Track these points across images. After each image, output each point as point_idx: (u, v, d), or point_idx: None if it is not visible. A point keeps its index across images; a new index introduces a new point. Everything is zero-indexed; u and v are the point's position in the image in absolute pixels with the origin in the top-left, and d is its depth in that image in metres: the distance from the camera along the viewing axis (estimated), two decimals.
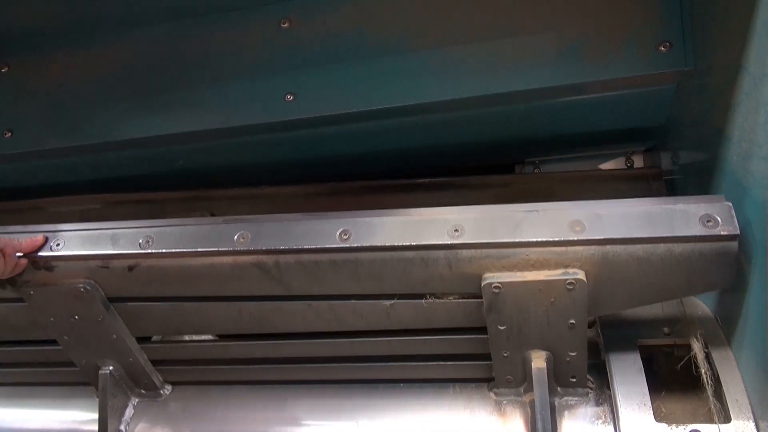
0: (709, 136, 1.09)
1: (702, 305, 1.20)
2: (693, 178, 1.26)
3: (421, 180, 1.51)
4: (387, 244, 1.03)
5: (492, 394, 1.20)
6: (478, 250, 1.00)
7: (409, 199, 1.49)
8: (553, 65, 1.21)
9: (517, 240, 0.99)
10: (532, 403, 1.14)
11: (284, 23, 1.32)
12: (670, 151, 1.37)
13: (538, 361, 1.11)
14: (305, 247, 1.06)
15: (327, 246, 1.05)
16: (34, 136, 1.49)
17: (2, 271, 1.14)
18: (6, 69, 1.51)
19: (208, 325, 1.24)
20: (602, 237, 0.96)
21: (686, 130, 1.25)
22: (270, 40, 1.32)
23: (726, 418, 1.04)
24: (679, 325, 1.18)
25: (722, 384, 1.06)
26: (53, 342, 1.32)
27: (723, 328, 1.12)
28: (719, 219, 0.93)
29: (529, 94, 1.26)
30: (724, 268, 0.96)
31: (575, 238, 0.97)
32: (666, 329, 1.19)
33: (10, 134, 1.50)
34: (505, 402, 1.19)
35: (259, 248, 1.08)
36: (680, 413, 1.13)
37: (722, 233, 0.92)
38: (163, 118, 1.41)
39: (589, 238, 0.96)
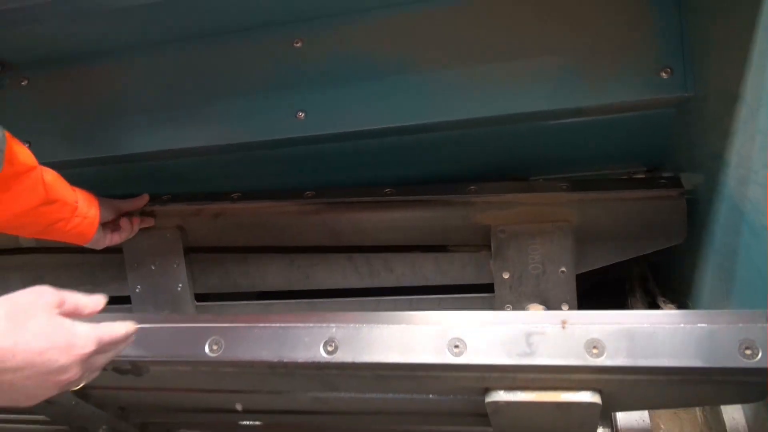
0: (707, 160, 1.12)
1: None
2: (692, 201, 1.26)
3: (416, 197, 1.36)
4: (376, 362, 0.92)
5: None
6: (481, 373, 0.89)
7: (405, 216, 1.38)
8: (556, 88, 1.21)
9: (525, 363, 0.87)
10: None
11: (297, 43, 1.33)
12: (670, 173, 1.35)
13: None
14: (286, 360, 0.95)
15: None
16: (52, 148, 1.50)
17: (129, 233, 1.39)
18: (25, 82, 1.51)
19: (186, 411, 1.17)
20: (623, 364, 0.84)
21: (686, 153, 1.26)
22: (282, 59, 1.34)
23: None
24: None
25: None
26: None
27: None
28: (759, 349, 0.81)
29: (532, 115, 1.24)
30: (755, 392, 0.85)
31: (592, 364, 0.85)
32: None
33: (28, 145, 1.45)
34: None
35: (231, 360, 0.96)
36: (673, 425, 1.13)
37: (762, 366, 0.81)
38: (176, 133, 1.43)
39: (608, 364, 0.85)
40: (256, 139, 1.39)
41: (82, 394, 1.13)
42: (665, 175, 1.33)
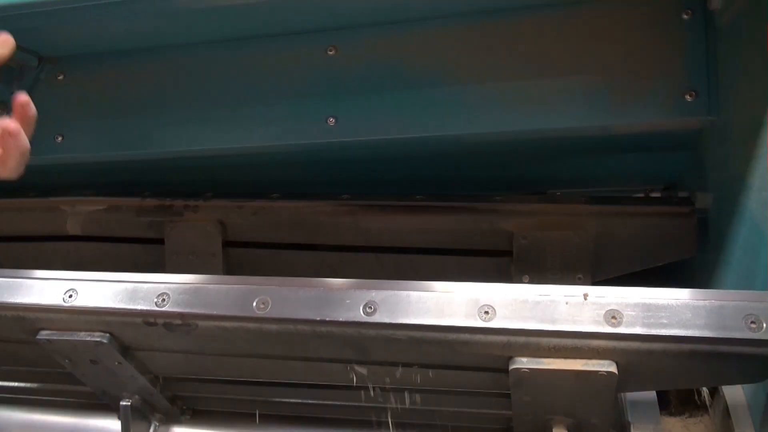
0: (729, 182, 1.15)
1: None
2: (712, 221, 1.31)
3: (444, 203, 1.47)
4: (412, 323, 1.00)
5: None
6: (504, 337, 0.97)
7: (434, 220, 1.48)
8: (585, 106, 1.28)
9: (549, 328, 0.96)
10: None
11: (330, 50, 1.38)
12: (687, 192, 1.43)
13: (560, 428, 1.11)
14: (328, 319, 1.03)
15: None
16: (84, 144, 1.57)
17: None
18: (62, 77, 1.57)
19: (225, 372, 1.23)
20: (639, 332, 0.93)
21: (707, 174, 1.30)
22: (316, 65, 1.39)
23: None
24: None
25: (729, 412, 1.08)
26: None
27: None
28: (764, 322, 0.89)
29: (560, 131, 1.31)
30: (761, 367, 0.93)
31: (611, 332, 0.94)
32: None
33: (61, 139, 1.59)
34: None
35: (277, 317, 1.05)
36: None
37: (766, 338, 0.89)
38: (208, 135, 1.48)
39: (626, 332, 0.93)
40: (287, 142, 1.45)
41: (127, 354, 1.20)
42: (678, 195, 1.44)
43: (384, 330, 1.01)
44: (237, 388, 1.29)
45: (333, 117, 1.39)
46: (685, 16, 1.23)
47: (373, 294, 1.03)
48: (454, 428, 1.25)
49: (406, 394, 1.19)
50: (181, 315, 1.09)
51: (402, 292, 1.02)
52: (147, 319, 1.12)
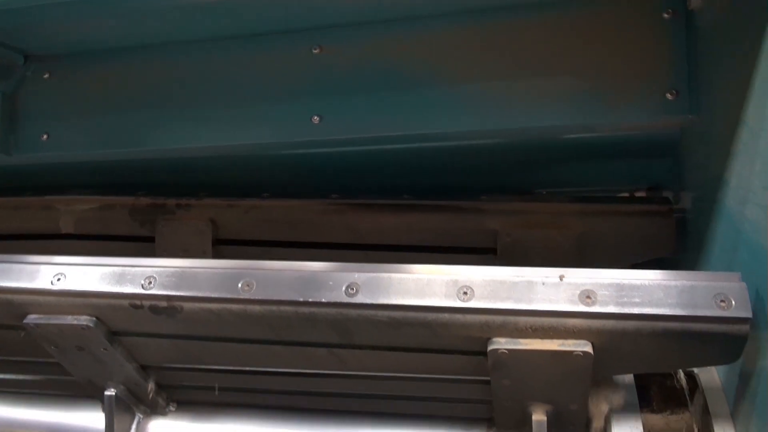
0: (709, 180, 1.17)
1: None
2: (692, 219, 1.32)
3: (430, 202, 1.50)
4: (393, 303, 1.02)
5: None
6: (485, 317, 0.99)
7: (420, 219, 1.50)
8: (568, 105, 1.30)
9: (525, 308, 0.98)
10: None
11: (315, 49, 1.41)
12: (672, 191, 1.44)
13: (539, 414, 1.12)
14: (311, 300, 1.05)
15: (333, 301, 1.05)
16: (70, 142, 1.58)
17: None
18: (47, 75, 1.60)
19: (210, 359, 1.24)
20: (612, 311, 0.95)
21: (688, 172, 1.33)
22: (301, 64, 1.42)
23: None
24: None
25: (709, 410, 1.10)
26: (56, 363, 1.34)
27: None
28: (733, 301, 0.92)
29: (543, 129, 1.33)
30: (733, 347, 0.95)
31: (585, 311, 0.96)
32: None
33: (46, 137, 1.61)
34: None
35: (261, 298, 1.07)
36: None
37: (735, 315, 0.91)
38: (194, 132, 1.50)
39: (600, 311, 0.95)
40: (273, 140, 1.46)
41: (113, 339, 1.21)
42: (661, 194, 1.47)
43: (365, 310, 1.03)
44: (222, 378, 1.30)
45: (318, 115, 1.42)
46: (666, 16, 1.25)
47: (356, 276, 1.05)
48: (436, 418, 1.26)
49: (388, 383, 1.20)
50: (167, 297, 1.11)
51: (383, 274, 1.05)
52: (133, 301, 1.13)
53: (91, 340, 1.21)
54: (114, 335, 1.22)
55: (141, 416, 1.40)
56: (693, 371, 1.17)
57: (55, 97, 1.61)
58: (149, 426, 1.39)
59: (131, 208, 1.69)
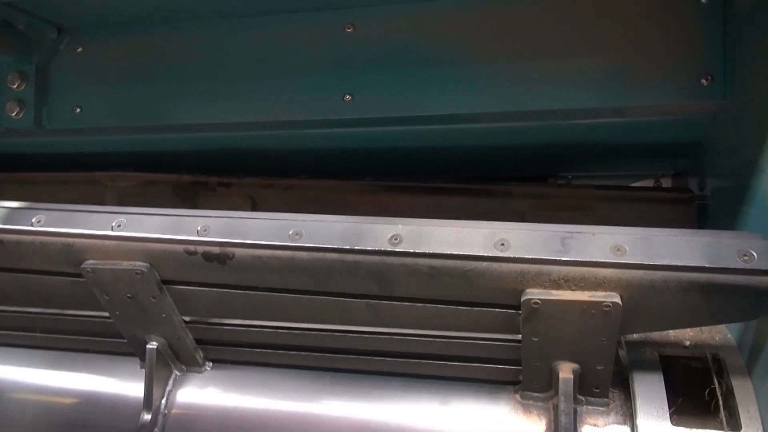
0: (742, 166, 1.16)
1: None
2: (723, 205, 1.32)
3: (461, 185, 1.57)
4: (433, 252, 1.09)
5: (517, 396, 1.27)
6: (520, 265, 1.06)
7: (451, 201, 1.57)
8: (599, 87, 1.32)
9: (559, 258, 1.05)
10: (555, 408, 1.20)
11: (348, 28, 1.42)
12: (698, 177, 1.46)
13: (566, 372, 1.17)
14: (356, 248, 1.13)
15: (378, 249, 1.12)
16: (101, 114, 1.61)
17: None
18: (81, 49, 1.63)
19: (251, 313, 1.31)
20: (640, 262, 1.02)
21: (719, 158, 1.33)
22: (334, 42, 1.42)
23: (737, 427, 1.10)
24: (698, 339, 1.25)
25: (735, 396, 1.13)
26: (103, 316, 1.41)
27: (739, 343, 1.18)
28: (755, 254, 0.99)
29: (573, 112, 1.35)
30: (755, 301, 1.01)
31: (615, 261, 1.03)
32: (687, 342, 1.26)
33: (79, 110, 1.65)
34: (529, 404, 1.26)
35: (309, 245, 1.15)
36: (695, 421, 1.19)
37: (758, 267, 0.98)
38: (226, 107, 1.51)
39: (629, 262, 1.02)
40: (304, 118, 1.47)
41: (163, 288, 1.28)
42: (686, 181, 1.48)
43: (407, 259, 1.11)
44: (258, 335, 1.36)
45: (350, 94, 1.43)
46: (703, 0, 1.25)
47: (399, 227, 1.13)
48: (464, 381, 1.31)
49: (420, 342, 1.26)
50: (220, 244, 1.19)
51: (425, 227, 1.13)
52: (188, 247, 1.21)
53: (143, 288, 1.28)
54: (164, 284, 1.29)
55: (178, 373, 1.46)
56: (720, 357, 1.22)
57: (88, 71, 1.63)
58: (186, 382, 1.45)
59: (174, 184, 1.78)
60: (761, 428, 1.08)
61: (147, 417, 1.37)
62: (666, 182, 1.60)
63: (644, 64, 1.27)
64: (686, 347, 1.27)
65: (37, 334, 1.54)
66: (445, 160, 1.63)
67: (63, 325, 1.51)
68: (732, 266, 0.98)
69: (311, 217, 1.18)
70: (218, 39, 1.52)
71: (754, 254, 0.99)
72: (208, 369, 1.46)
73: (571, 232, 1.07)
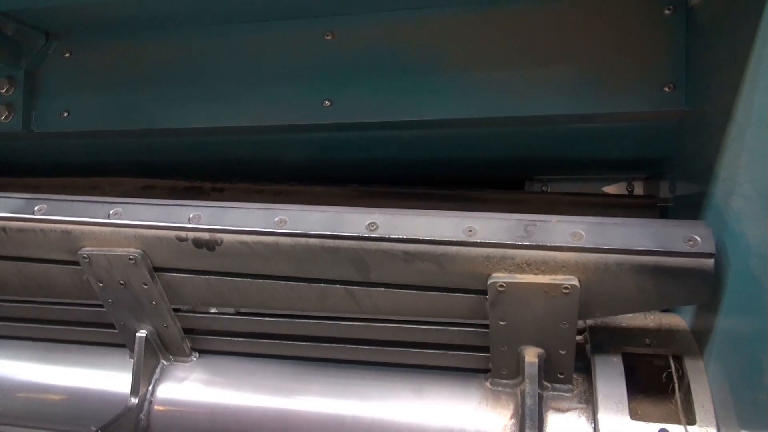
0: (700, 171, 1.23)
1: (682, 321, 1.33)
2: (684, 208, 1.40)
3: (439, 191, 1.66)
4: (407, 237, 1.18)
5: (487, 383, 1.34)
6: (487, 249, 1.15)
7: (428, 206, 1.63)
8: (569, 95, 1.39)
9: (522, 242, 1.14)
10: (522, 394, 1.27)
11: (327, 36, 1.48)
12: (668, 181, 1.52)
13: (531, 356, 1.25)
14: (336, 233, 1.21)
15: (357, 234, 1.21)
16: (88, 118, 1.66)
17: None
18: (68, 55, 1.69)
19: (237, 300, 1.38)
20: (595, 246, 1.11)
21: (683, 164, 1.40)
22: (314, 50, 1.49)
23: (692, 421, 1.17)
24: (659, 337, 1.33)
25: (692, 391, 1.20)
26: (96, 305, 1.48)
27: (697, 341, 1.26)
28: (699, 239, 1.08)
29: (545, 118, 1.43)
30: (701, 284, 1.09)
31: (573, 245, 1.11)
32: (648, 340, 1.33)
33: (67, 114, 1.70)
34: (498, 390, 1.32)
35: (294, 231, 1.23)
36: (653, 414, 1.26)
37: (701, 251, 1.07)
38: (209, 112, 1.57)
39: (585, 246, 1.11)
40: (286, 122, 1.52)
41: (155, 275, 1.36)
42: (657, 185, 1.54)
43: (383, 244, 1.19)
44: (243, 324, 1.43)
45: (329, 100, 1.49)
46: (667, 12, 1.31)
47: (376, 215, 1.22)
48: (438, 369, 1.38)
49: (396, 330, 1.33)
50: (209, 230, 1.28)
51: (400, 216, 1.21)
52: (179, 234, 1.30)
53: (135, 274, 1.36)
54: (156, 271, 1.37)
55: (165, 363, 1.52)
56: (680, 355, 1.29)
57: (76, 75, 1.68)
58: (172, 371, 1.51)
59: (170, 189, 1.87)
60: (714, 422, 1.15)
61: (134, 401, 1.43)
62: (638, 186, 1.66)
63: (611, 73, 1.33)
64: (648, 345, 1.35)
65: (31, 325, 1.61)
66: (422, 165, 1.70)
67: (57, 315, 1.58)
68: (677, 250, 1.07)
69: (295, 207, 1.27)
70: (202, 46, 1.57)
71: (698, 239, 1.08)
72: (195, 359, 1.53)
73: (534, 221, 1.16)
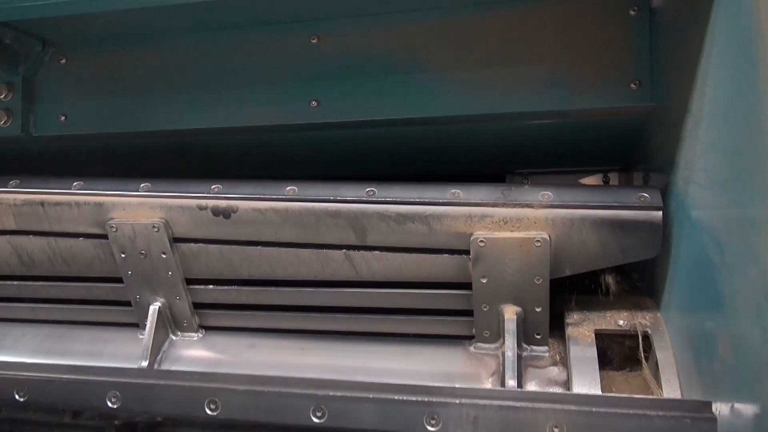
0: (666, 163, 1.33)
1: (653, 304, 1.46)
2: None
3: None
4: (399, 199, 1.36)
5: (472, 348, 1.46)
6: (469, 209, 1.33)
7: None
8: (543, 92, 1.47)
9: (498, 201, 1.32)
10: (503, 354, 1.40)
11: (313, 39, 1.56)
12: (641, 173, 1.64)
13: (510, 314, 1.39)
14: (339, 197, 1.39)
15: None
16: (84, 121, 1.73)
17: None
18: (64, 60, 1.75)
19: (247, 269, 1.53)
20: (562, 203, 1.29)
21: (652, 156, 1.50)
22: (300, 52, 1.57)
23: (659, 393, 1.29)
24: (630, 318, 1.47)
25: (659, 366, 1.32)
26: (114, 280, 1.62)
27: (665, 321, 1.39)
28: (648, 196, 1.27)
29: (521, 115, 1.52)
30: (652, 236, 1.27)
31: (543, 203, 1.30)
32: (621, 322, 1.48)
33: (64, 118, 1.78)
34: (481, 354, 1.45)
35: (302, 197, 1.41)
36: (623, 387, 1.38)
37: (650, 205, 1.26)
38: (201, 114, 1.64)
39: (554, 203, 1.30)
40: (273, 123, 1.59)
41: (174, 245, 1.51)
42: (631, 176, 1.67)
43: (379, 206, 1.37)
44: (251, 295, 1.57)
45: (315, 100, 1.55)
46: (632, 13, 1.39)
47: (374, 186, 1.41)
48: (427, 337, 1.50)
49: (389, 296, 1.48)
50: (227, 198, 1.45)
51: (395, 184, 1.40)
52: (200, 203, 1.47)
53: (156, 243, 1.51)
54: (175, 241, 1.52)
55: (173, 338, 1.63)
56: (648, 334, 1.44)
57: (72, 81, 1.73)
58: (179, 345, 1.62)
59: None
60: (679, 392, 1.25)
61: (144, 363, 1.53)
62: (614, 177, 1.76)
63: (581, 72, 1.42)
64: (620, 326, 1.49)
65: (50, 306, 1.73)
66: (407, 162, 1.80)
67: (76, 294, 1.70)
68: (631, 204, 1.26)
69: (303, 182, 1.46)
70: (193, 51, 1.65)
71: (648, 196, 1.27)
72: (201, 336, 1.64)
73: (509, 186, 1.35)
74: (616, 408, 0.93)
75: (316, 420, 1.05)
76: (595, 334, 1.43)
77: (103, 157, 1.96)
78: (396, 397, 1.02)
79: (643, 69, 1.39)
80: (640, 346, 1.41)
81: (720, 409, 1.07)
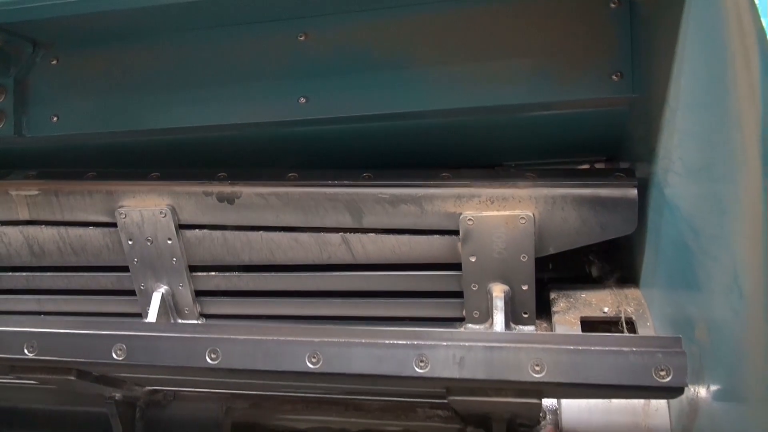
0: (648, 152, 1.36)
1: (638, 293, 1.52)
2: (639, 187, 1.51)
3: None
4: (393, 182, 1.46)
5: (462, 329, 1.52)
6: (458, 189, 1.42)
7: None
8: (527, 85, 1.49)
9: (486, 181, 1.41)
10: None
11: (301, 36, 1.58)
12: (627, 162, 1.66)
13: (498, 292, 1.46)
14: (336, 181, 1.49)
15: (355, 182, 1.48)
16: (77, 122, 1.74)
17: None
18: (55, 62, 1.75)
19: (249, 254, 1.60)
20: (544, 183, 1.39)
21: (636, 145, 1.52)
22: (288, 50, 1.59)
23: None
24: (615, 305, 1.54)
25: None
26: (120, 269, 1.69)
27: (648, 307, 1.45)
28: (624, 176, 1.37)
29: (507, 108, 1.54)
30: (629, 213, 1.36)
31: (527, 183, 1.39)
32: (606, 309, 1.55)
33: (56, 119, 1.79)
34: None
35: (303, 181, 1.51)
36: None
37: (626, 182, 1.35)
38: (191, 111, 1.66)
39: (536, 183, 1.39)
40: (263, 120, 1.61)
41: (179, 231, 1.60)
42: (618, 165, 1.67)
43: (373, 188, 1.47)
44: (251, 281, 1.64)
45: (304, 97, 1.56)
46: (612, 6, 1.42)
47: (371, 171, 1.50)
48: (419, 319, 1.56)
49: (383, 279, 1.55)
50: (231, 184, 1.55)
51: (389, 169, 1.50)
52: (206, 189, 1.57)
53: (162, 229, 1.59)
54: (180, 228, 1.61)
55: (173, 323, 1.69)
56: (632, 320, 1.51)
57: (63, 82, 1.74)
58: None
59: None
60: None
61: None
62: (600, 167, 1.74)
63: (565, 64, 1.45)
64: (605, 313, 1.56)
65: (56, 297, 1.79)
66: (397, 155, 1.79)
67: (82, 284, 1.77)
68: (609, 182, 1.36)
69: (303, 170, 1.56)
70: (182, 50, 1.66)
71: (623, 175, 1.37)
72: (199, 324, 1.70)
73: (496, 170, 1.45)
74: (592, 346, 0.99)
75: (311, 366, 1.10)
76: (581, 322, 1.50)
77: (95, 157, 1.98)
78: (387, 342, 1.08)
79: (624, 61, 1.41)
80: (624, 332, 1.48)
81: (698, 391, 1.14)
